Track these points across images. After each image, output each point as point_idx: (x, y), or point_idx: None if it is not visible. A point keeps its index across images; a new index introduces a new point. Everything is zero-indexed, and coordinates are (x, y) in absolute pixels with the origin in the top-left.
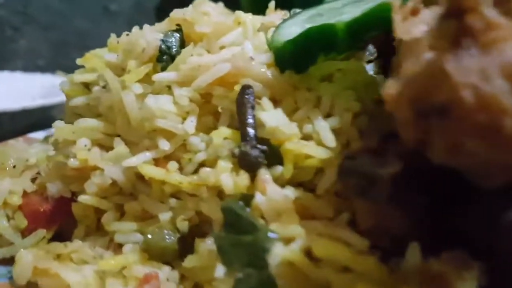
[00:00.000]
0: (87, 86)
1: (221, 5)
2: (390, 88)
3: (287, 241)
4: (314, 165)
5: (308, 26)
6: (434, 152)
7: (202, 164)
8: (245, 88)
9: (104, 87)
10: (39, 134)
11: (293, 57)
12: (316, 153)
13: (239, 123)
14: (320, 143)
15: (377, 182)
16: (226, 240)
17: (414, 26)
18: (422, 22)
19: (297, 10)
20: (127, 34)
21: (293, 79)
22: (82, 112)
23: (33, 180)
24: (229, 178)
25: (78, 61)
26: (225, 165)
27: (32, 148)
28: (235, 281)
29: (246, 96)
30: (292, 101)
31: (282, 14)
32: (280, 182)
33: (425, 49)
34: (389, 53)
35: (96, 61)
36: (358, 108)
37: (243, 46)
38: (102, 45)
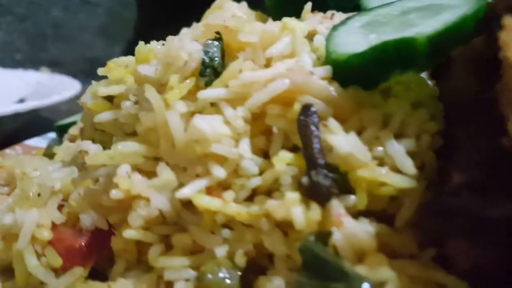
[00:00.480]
0: (110, 99)
1: (245, 4)
2: None
3: (378, 286)
4: (390, 193)
5: (372, 36)
6: None
7: (255, 191)
8: (308, 107)
9: (136, 102)
10: (37, 141)
11: (361, 73)
12: (393, 181)
13: (303, 148)
14: (394, 169)
15: (483, 224)
16: (311, 287)
17: None
18: None
19: (336, 13)
20: (163, 44)
21: (359, 96)
22: (109, 129)
23: (59, 207)
24: (299, 212)
25: (100, 72)
26: (293, 196)
27: (53, 170)
28: None
29: (310, 117)
30: (358, 120)
31: (321, 17)
32: (352, 212)
33: None
34: None
35: (121, 71)
36: (436, 128)
37: (300, 58)
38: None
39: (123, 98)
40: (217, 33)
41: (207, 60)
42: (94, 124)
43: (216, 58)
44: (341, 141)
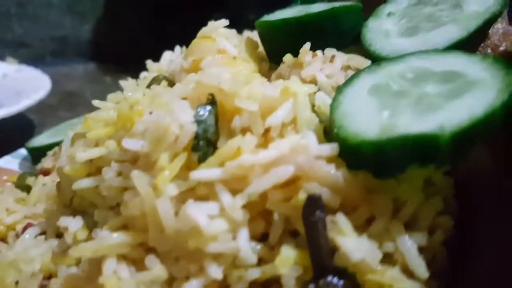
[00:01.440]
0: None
1: (234, 32)
2: None
3: None
4: None
5: (385, 114)
6: None
7: (253, 283)
8: (314, 201)
9: (119, 174)
10: (7, 162)
11: (373, 161)
12: (404, 286)
13: (310, 250)
14: (405, 268)
15: None
16: None
17: None
18: None
19: (337, 53)
20: (150, 113)
21: (370, 181)
22: (89, 196)
23: None
24: None
25: (79, 130)
26: None
27: (32, 245)
28: None
29: (317, 214)
30: (367, 209)
31: (321, 61)
32: None
33: None
34: None
35: (100, 132)
36: (451, 223)
37: (304, 135)
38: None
39: (104, 163)
40: (210, 94)
41: (200, 131)
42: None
43: (210, 128)
44: (353, 245)
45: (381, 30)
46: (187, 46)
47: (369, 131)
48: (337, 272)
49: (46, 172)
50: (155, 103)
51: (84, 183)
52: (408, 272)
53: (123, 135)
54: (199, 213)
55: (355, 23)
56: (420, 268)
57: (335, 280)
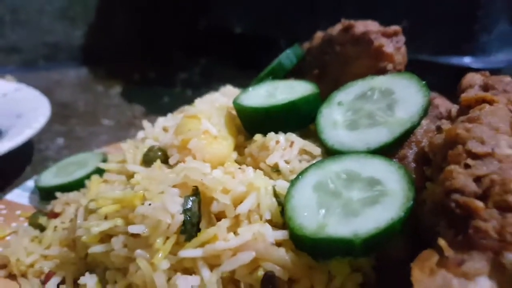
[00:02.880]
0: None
1: (215, 111)
2: None
3: None
4: None
5: (322, 212)
6: None
7: None
8: (269, 277)
9: (125, 246)
10: (18, 196)
11: (311, 250)
12: None
13: None
14: None
15: None
16: None
17: None
18: (436, 287)
19: (296, 140)
20: (150, 204)
21: (309, 261)
22: (101, 258)
23: None
24: None
25: (92, 203)
26: None
27: None
28: None
29: (271, 286)
30: (307, 281)
31: (281, 147)
32: None
33: None
34: None
35: (110, 209)
36: None
37: (263, 227)
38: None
39: (113, 233)
40: (195, 187)
41: (186, 219)
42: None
43: (194, 214)
44: None
45: (331, 119)
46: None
47: (309, 226)
48: None
49: (56, 215)
50: (152, 190)
51: (97, 249)
52: None
53: (127, 213)
54: (185, 285)
55: (312, 108)
56: None
57: None
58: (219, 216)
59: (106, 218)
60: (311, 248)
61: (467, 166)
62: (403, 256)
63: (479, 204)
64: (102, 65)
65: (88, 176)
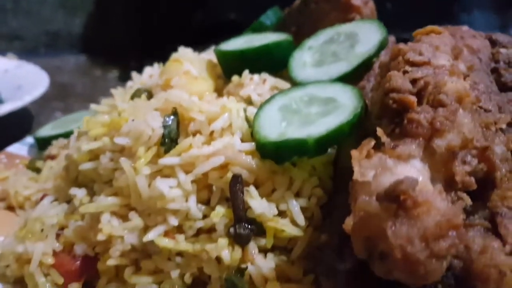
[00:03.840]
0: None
1: (197, 56)
2: (349, 224)
3: None
4: (288, 237)
5: (283, 125)
6: (376, 271)
7: (200, 229)
8: (236, 178)
9: (111, 159)
10: (18, 148)
11: (273, 154)
12: (290, 230)
13: (232, 207)
14: (292, 220)
15: (337, 272)
16: None
17: (366, 170)
18: (372, 166)
19: (268, 77)
20: (133, 120)
21: (272, 166)
22: (90, 175)
23: (56, 236)
24: (227, 253)
25: (83, 125)
26: (223, 242)
27: (50, 207)
28: None
29: (237, 185)
30: (271, 183)
31: (255, 83)
32: (263, 249)
33: (373, 194)
34: None
35: (99, 131)
36: (321, 193)
37: (233, 138)
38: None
39: (100, 152)
40: (174, 108)
41: (166, 133)
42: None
43: (173, 131)
44: (257, 204)
45: (301, 61)
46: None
47: (272, 135)
48: (248, 221)
49: (52, 157)
50: (136, 113)
51: (87, 166)
52: (294, 223)
53: (114, 134)
54: (163, 185)
55: (285, 53)
56: (300, 219)
57: (247, 226)
58: (196, 135)
59: (95, 139)
60: (273, 153)
61: (405, 72)
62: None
63: (413, 98)
64: (100, 53)
65: None
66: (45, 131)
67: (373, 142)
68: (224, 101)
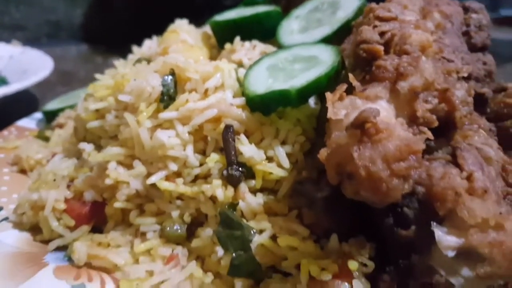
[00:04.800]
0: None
1: (193, 28)
2: (323, 154)
3: (260, 232)
4: (275, 178)
5: (270, 81)
6: (346, 192)
7: (197, 176)
8: (228, 127)
9: (116, 116)
10: (27, 122)
11: (260, 106)
12: (276, 172)
13: (225, 152)
14: (279, 164)
15: (315, 200)
16: (223, 234)
17: (339, 110)
18: (344, 107)
19: (258, 44)
20: (135, 80)
21: (260, 118)
22: (97, 132)
23: (67, 187)
24: (221, 192)
25: (89, 89)
26: (217, 182)
27: (61, 162)
28: (231, 258)
29: (229, 133)
30: (260, 133)
31: (245, 48)
32: (253, 190)
33: (343, 129)
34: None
35: (104, 93)
36: (303, 140)
37: (225, 93)
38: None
39: (106, 111)
40: (171, 69)
41: (164, 90)
42: (86, 128)
43: (171, 89)
44: (247, 149)
45: (288, 29)
46: (165, 29)
47: (259, 90)
48: (239, 164)
49: (61, 126)
50: (138, 75)
51: (94, 124)
52: (280, 166)
53: (118, 94)
54: (163, 136)
55: (274, 23)
56: (285, 162)
57: (238, 168)
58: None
59: (101, 101)
60: (261, 105)
61: (374, 27)
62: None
63: (380, 47)
64: (101, 42)
65: None
66: (52, 105)
67: (345, 86)
68: (217, 62)
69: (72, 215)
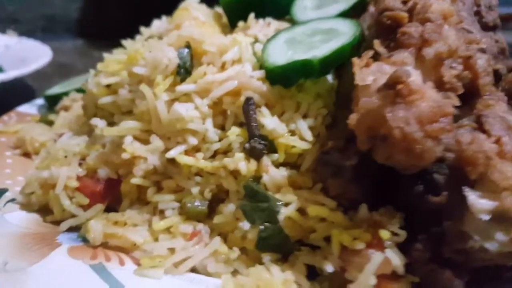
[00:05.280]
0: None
1: (204, 7)
2: (353, 119)
3: (286, 204)
4: (297, 152)
5: (290, 52)
6: (378, 157)
7: (216, 151)
8: (249, 99)
9: (130, 91)
10: (27, 108)
11: (282, 78)
12: (299, 144)
13: (246, 125)
14: (301, 137)
15: (343, 169)
16: (249, 207)
17: (366, 76)
18: (371, 73)
19: (272, 21)
20: (150, 52)
21: (281, 91)
22: (108, 108)
23: (79, 164)
24: (243, 165)
25: (99, 67)
26: (240, 155)
27: (71, 140)
28: (258, 231)
29: (250, 106)
30: (280, 106)
31: (260, 25)
32: (276, 164)
33: (373, 95)
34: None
35: (116, 67)
36: (325, 113)
37: (244, 65)
38: None
39: (119, 86)
40: (187, 42)
41: (181, 63)
42: (97, 104)
43: (187, 62)
44: (269, 122)
45: (302, 6)
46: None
47: (280, 61)
48: (262, 137)
49: (66, 108)
50: (152, 47)
51: (106, 99)
52: (302, 139)
53: (131, 68)
54: (182, 108)
55: (287, 1)
56: (307, 136)
57: (260, 141)
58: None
59: (113, 75)
60: (281, 77)
61: None
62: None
63: (404, 14)
64: (97, 36)
65: None
66: (54, 90)
67: (371, 53)
68: (234, 36)
69: (86, 193)
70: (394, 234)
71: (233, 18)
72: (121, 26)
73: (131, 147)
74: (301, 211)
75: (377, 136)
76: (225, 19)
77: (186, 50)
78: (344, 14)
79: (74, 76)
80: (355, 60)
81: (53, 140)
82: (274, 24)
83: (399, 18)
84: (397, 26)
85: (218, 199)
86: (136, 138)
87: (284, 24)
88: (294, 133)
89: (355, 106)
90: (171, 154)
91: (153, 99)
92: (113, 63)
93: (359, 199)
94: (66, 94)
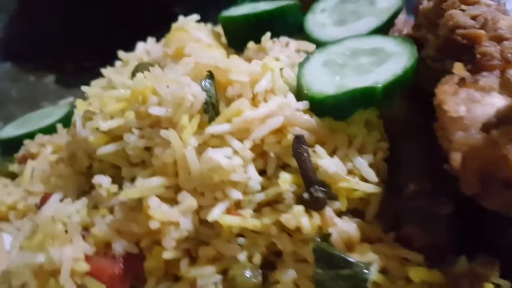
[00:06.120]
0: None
1: (203, 25)
2: (456, 160)
3: (367, 266)
4: (361, 196)
5: (337, 78)
6: (490, 203)
7: (259, 204)
8: (299, 138)
9: (141, 137)
10: None
11: (334, 109)
12: (364, 188)
13: (301, 170)
14: (362, 178)
15: (434, 219)
16: (326, 276)
17: (458, 106)
18: (462, 102)
19: (289, 40)
20: (167, 86)
21: (332, 124)
22: (112, 160)
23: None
24: (306, 221)
25: (90, 106)
26: (299, 209)
27: (62, 206)
28: None
29: (302, 145)
30: (332, 142)
31: (278, 46)
32: (337, 214)
33: (469, 129)
34: None
35: (118, 106)
36: (386, 146)
37: (287, 96)
38: None
39: (123, 131)
40: (208, 71)
41: (208, 99)
42: (91, 154)
43: (213, 96)
44: (328, 163)
45: (317, 22)
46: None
47: (328, 89)
48: (320, 183)
49: (32, 156)
50: (164, 80)
51: (108, 149)
52: (364, 180)
53: (138, 108)
54: (219, 155)
55: (296, 17)
56: (371, 176)
57: (320, 189)
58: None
59: (112, 118)
60: (333, 108)
61: (462, 10)
62: (403, 115)
63: (482, 32)
64: (28, 59)
65: (60, 121)
66: (8, 132)
67: (457, 78)
68: (264, 61)
69: (101, 278)
70: (496, 285)
71: (235, 37)
72: (54, 43)
73: (160, 212)
74: (384, 271)
75: (493, 179)
76: (224, 40)
77: (209, 81)
78: (377, 31)
79: (12, 105)
80: (443, 87)
81: (24, 200)
82: (293, 43)
83: (476, 36)
84: (473, 45)
85: (267, 263)
86: (159, 197)
87: (303, 44)
88: (351, 172)
89: (445, 143)
90: (214, 215)
91: (181, 147)
92: (111, 102)
93: (446, 249)
94: (28, 136)
